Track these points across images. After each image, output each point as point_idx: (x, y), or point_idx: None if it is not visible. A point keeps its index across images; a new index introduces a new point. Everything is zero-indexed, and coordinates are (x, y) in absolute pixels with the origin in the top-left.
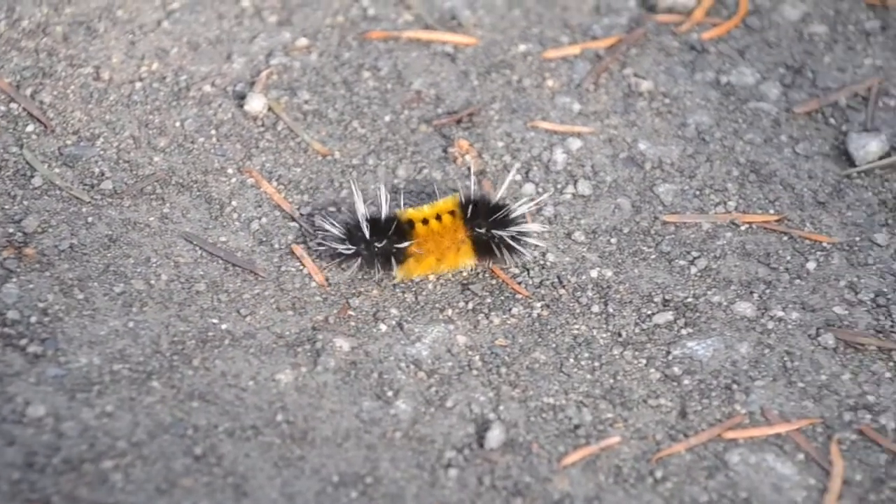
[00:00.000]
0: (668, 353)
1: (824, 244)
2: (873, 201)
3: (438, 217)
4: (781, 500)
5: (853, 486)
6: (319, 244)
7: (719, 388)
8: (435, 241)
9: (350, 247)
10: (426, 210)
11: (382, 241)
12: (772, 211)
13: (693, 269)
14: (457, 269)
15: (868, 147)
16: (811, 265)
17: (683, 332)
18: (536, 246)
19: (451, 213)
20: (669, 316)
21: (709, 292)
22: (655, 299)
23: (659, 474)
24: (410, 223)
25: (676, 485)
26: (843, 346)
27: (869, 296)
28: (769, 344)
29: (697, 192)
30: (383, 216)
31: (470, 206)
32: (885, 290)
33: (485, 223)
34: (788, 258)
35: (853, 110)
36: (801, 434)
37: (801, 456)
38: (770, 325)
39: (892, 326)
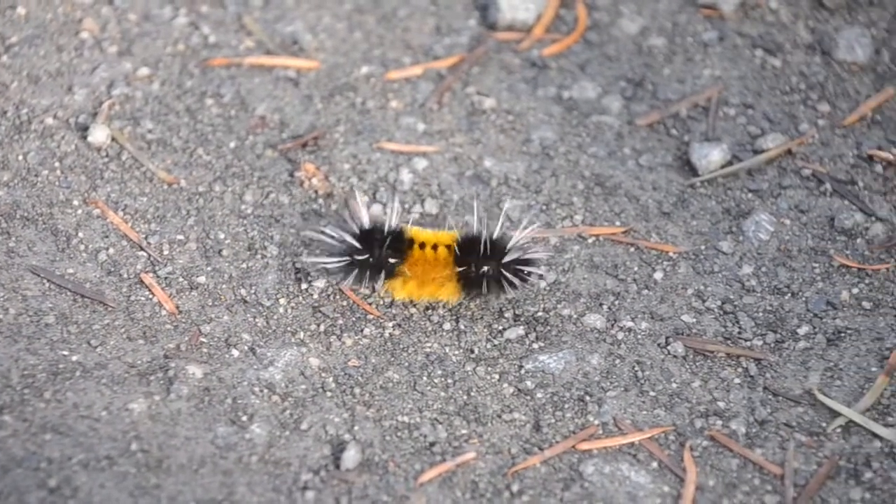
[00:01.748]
0: (521, 367)
1: (670, 254)
2: (717, 210)
3: (435, 247)
4: None
5: (706, 492)
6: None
7: (572, 400)
8: (423, 269)
9: (357, 250)
10: (429, 235)
11: (379, 252)
12: (618, 223)
13: (542, 283)
14: (437, 300)
15: (710, 156)
16: (658, 275)
17: (535, 346)
18: (533, 275)
19: (448, 247)
20: (521, 331)
21: (559, 306)
22: (506, 315)
23: (515, 488)
24: (411, 242)
25: (533, 498)
26: (693, 353)
27: (716, 303)
28: (620, 354)
29: (544, 207)
30: (386, 228)
31: (463, 245)
32: (732, 297)
33: (475, 261)
34: (636, 269)
35: (694, 120)
36: (654, 442)
37: (654, 464)
38: (620, 336)
39: (739, 333)
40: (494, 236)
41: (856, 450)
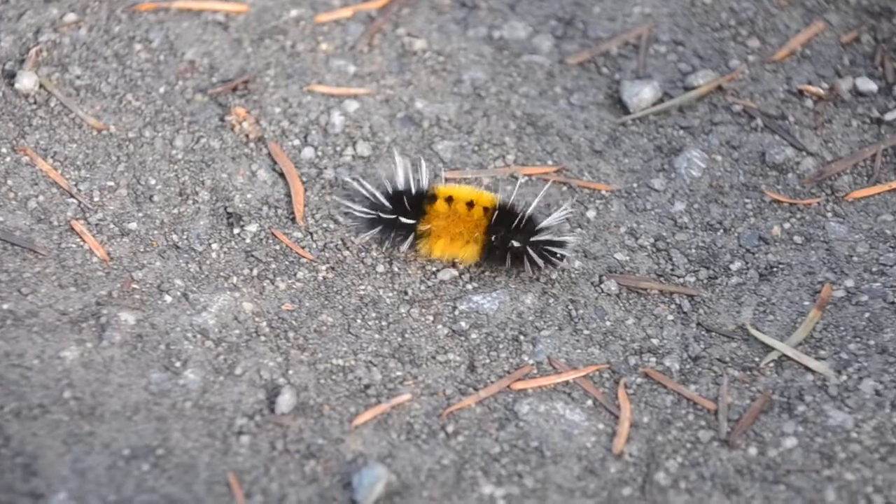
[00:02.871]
0: (455, 308)
1: (603, 192)
2: (649, 147)
3: (471, 205)
4: (572, 447)
5: (641, 429)
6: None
7: (506, 340)
8: (451, 222)
9: (369, 213)
10: (461, 191)
11: (396, 214)
12: (550, 162)
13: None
14: (457, 258)
15: (641, 94)
16: (591, 213)
17: (469, 286)
18: (560, 256)
19: (485, 208)
20: (454, 272)
21: None
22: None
23: (450, 429)
24: (433, 198)
25: (468, 438)
26: (626, 291)
27: (649, 241)
28: (554, 294)
29: (476, 148)
30: (414, 189)
31: (499, 211)
32: (664, 234)
33: (505, 231)
34: (569, 208)
35: (625, 58)
36: (589, 380)
37: (589, 402)
38: (553, 276)
39: (672, 270)
40: (529, 212)
41: (788, 384)
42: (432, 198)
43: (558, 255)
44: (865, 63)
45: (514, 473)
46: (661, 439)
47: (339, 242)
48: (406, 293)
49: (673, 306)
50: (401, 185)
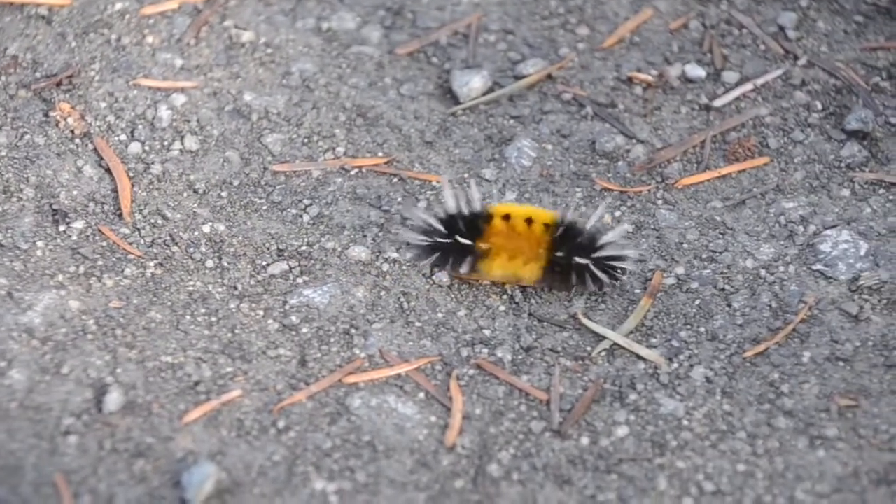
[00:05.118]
0: (286, 302)
1: (434, 183)
2: (479, 137)
3: (529, 220)
4: (404, 440)
5: (473, 420)
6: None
7: (338, 333)
8: (511, 239)
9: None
10: (518, 209)
11: (452, 237)
12: (380, 154)
13: (305, 217)
14: (517, 277)
15: (471, 84)
16: (422, 205)
17: (299, 280)
18: (622, 270)
19: (545, 225)
20: (284, 265)
21: (322, 239)
22: (270, 250)
23: (281, 424)
24: (489, 217)
25: (299, 433)
26: (458, 283)
27: None
28: (385, 286)
29: (306, 140)
30: (468, 212)
31: (561, 228)
32: None
33: (568, 248)
34: (400, 200)
35: (454, 48)
36: (421, 373)
37: (421, 395)
38: (385, 268)
39: None
40: (588, 226)
41: (620, 372)
42: (488, 217)
43: (620, 270)
44: (694, 49)
45: (345, 468)
46: (494, 431)
47: (168, 238)
48: (236, 288)
49: (505, 297)
50: (452, 208)
